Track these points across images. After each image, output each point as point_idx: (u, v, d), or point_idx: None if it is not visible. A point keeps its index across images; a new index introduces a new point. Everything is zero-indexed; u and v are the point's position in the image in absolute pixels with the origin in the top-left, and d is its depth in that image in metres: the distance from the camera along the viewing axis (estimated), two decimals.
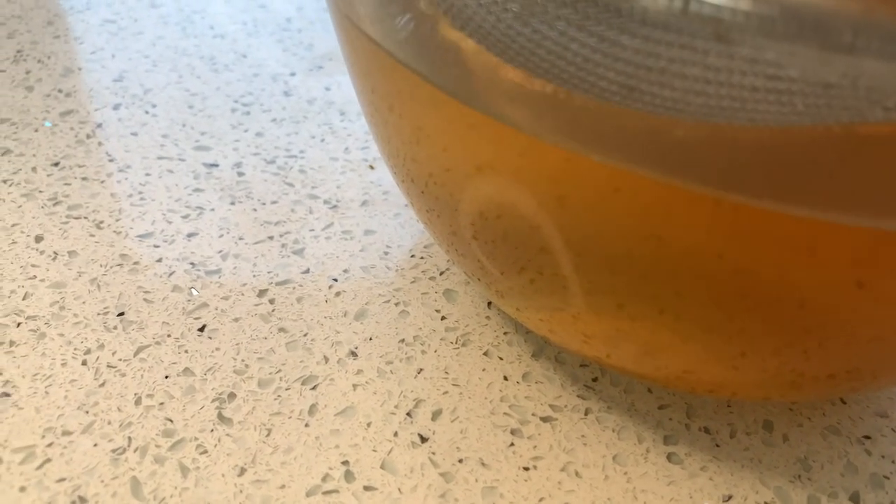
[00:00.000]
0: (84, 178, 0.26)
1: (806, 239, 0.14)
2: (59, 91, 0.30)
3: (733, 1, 0.10)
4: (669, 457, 0.19)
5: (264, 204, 0.25)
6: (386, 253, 0.24)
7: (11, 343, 0.21)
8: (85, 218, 0.25)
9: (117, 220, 0.25)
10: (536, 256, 0.17)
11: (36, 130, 0.28)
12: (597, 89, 0.13)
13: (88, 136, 0.28)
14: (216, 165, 0.27)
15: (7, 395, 0.20)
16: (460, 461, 0.19)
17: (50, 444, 0.19)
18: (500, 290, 0.19)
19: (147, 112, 0.29)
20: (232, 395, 0.20)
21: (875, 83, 0.10)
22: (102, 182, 0.26)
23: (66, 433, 0.19)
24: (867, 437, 0.20)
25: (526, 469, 0.19)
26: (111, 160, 0.27)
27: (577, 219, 0.16)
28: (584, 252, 0.16)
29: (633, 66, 0.12)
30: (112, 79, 0.31)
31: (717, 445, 0.19)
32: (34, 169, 0.26)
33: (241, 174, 0.27)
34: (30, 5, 0.35)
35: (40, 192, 0.26)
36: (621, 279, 0.17)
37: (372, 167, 0.27)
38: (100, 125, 0.28)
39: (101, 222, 0.25)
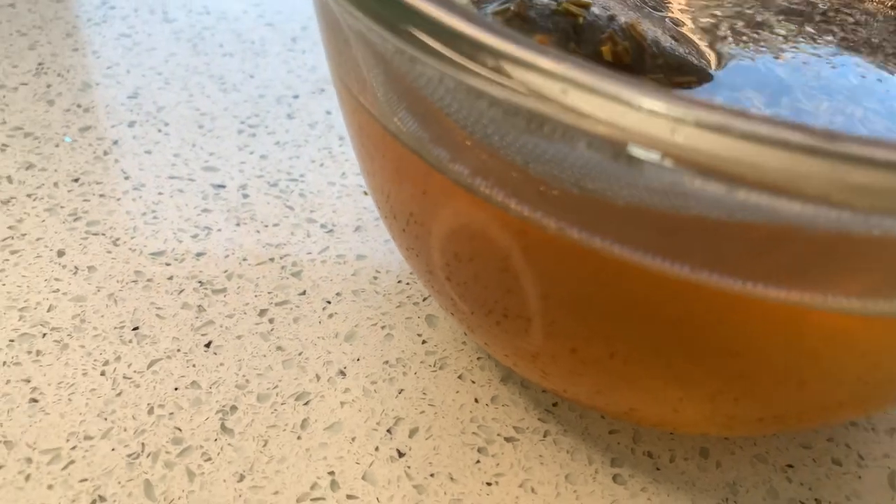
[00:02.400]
0: (102, 195, 0.29)
1: (728, 301, 0.16)
2: (78, 106, 0.32)
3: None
4: (615, 478, 0.22)
5: (266, 226, 0.28)
6: (375, 278, 0.26)
7: (38, 353, 0.23)
8: (103, 234, 0.27)
9: (132, 238, 0.27)
10: (503, 300, 0.20)
11: (56, 146, 0.30)
12: (549, 180, 0.15)
13: (105, 153, 0.30)
14: (223, 186, 0.29)
15: (35, 401, 0.22)
16: (432, 475, 0.22)
17: (74, 448, 0.21)
18: (471, 327, 0.22)
19: (160, 130, 0.32)
20: (234, 408, 0.23)
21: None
22: (118, 199, 0.28)
23: (87, 438, 0.22)
24: (790, 466, 0.23)
25: (489, 484, 0.21)
26: (126, 178, 0.29)
27: (537, 272, 0.18)
28: (543, 301, 0.19)
29: (577, 174, 0.15)
30: (127, 95, 0.33)
31: (658, 469, 0.22)
32: (56, 184, 0.29)
33: (245, 196, 0.29)
34: (49, 16, 0.37)
35: (62, 207, 0.28)
36: (576, 327, 0.19)
37: (366, 193, 0.29)
38: (116, 142, 0.31)
39: (118, 239, 0.27)
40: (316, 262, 0.27)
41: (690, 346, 0.18)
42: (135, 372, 0.23)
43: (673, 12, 0.22)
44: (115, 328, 0.24)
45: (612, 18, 0.19)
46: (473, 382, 0.24)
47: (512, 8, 0.19)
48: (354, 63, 0.18)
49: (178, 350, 0.24)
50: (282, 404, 0.23)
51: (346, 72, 0.19)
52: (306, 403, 0.23)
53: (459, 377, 0.24)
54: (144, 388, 0.23)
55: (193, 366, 0.24)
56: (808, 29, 0.23)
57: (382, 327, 0.25)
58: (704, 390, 0.19)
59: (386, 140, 0.19)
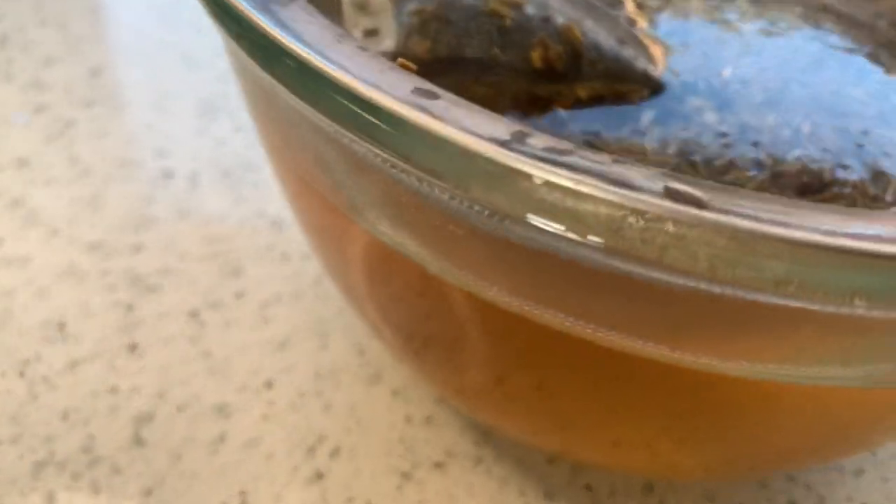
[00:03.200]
0: (47, 181, 0.27)
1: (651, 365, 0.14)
2: (38, 83, 0.31)
3: None
4: None
5: (212, 219, 0.27)
6: (317, 281, 0.25)
7: None
8: (43, 224, 0.26)
9: (70, 227, 0.26)
10: (424, 327, 0.18)
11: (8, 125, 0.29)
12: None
13: (60, 135, 0.29)
14: (173, 175, 0.28)
15: None
16: (350, 500, 0.20)
17: None
18: (397, 356, 0.20)
19: (117, 111, 0.30)
20: (150, 417, 0.22)
21: None
22: (65, 186, 0.27)
23: None
24: None
25: None
26: (75, 162, 0.28)
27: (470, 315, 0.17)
28: (468, 332, 0.17)
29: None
30: (89, 72, 0.32)
31: None
32: (1, 167, 0.28)
33: (195, 185, 0.28)
34: None
35: (5, 192, 0.27)
36: (499, 360, 0.18)
37: None
38: (70, 123, 0.30)
39: (57, 229, 0.26)
40: (259, 259, 0.25)
41: (619, 399, 0.16)
42: (54, 373, 0.22)
43: (628, 9, 0.20)
44: (40, 325, 0.23)
45: (546, 20, 0.17)
46: (408, 400, 0.22)
47: (430, 8, 0.17)
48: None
49: (102, 351, 0.23)
50: (201, 415, 0.22)
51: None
52: (227, 416, 0.22)
53: (393, 393, 0.22)
54: (62, 391, 0.22)
55: (115, 369, 0.23)
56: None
57: (319, 335, 0.24)
58: (640, 435, 0.18)
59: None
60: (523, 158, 0.10)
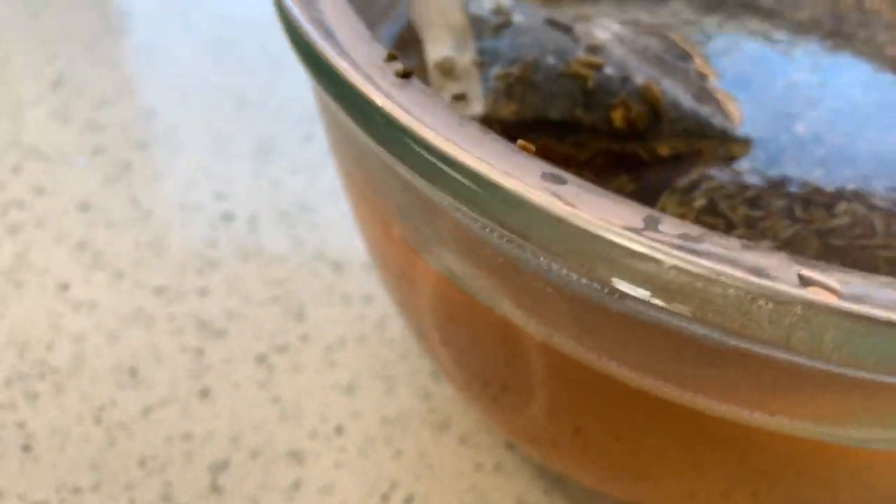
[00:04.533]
0: (109, 224, 0.28)
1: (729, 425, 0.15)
2: (93, 125, 0.32)
3: None
4: None
5: (273, 261, 0.27)
6: (381, 323, 0.25)
7: (35, 395, 0.23)
8: (107, 267, 0.27)
9: (137, 271, 0.26)
10: (500, 375, 0.18)
11: (69, 168, 0.30)
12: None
13: (117, 177, 0.30)
14: (233, 216, 0.28)
15: (29, 448, 0.22)
16: None
17: (63, 500, 0.21)
18: (467, 399, 0.21)
19: (173, 152, 0.31)
20: (226, 464, 0.22)
21: None
22: (127, 229, 0.28)
23: (76, 490, 0.21)
24: None
25: None
26: (135, 205, 0.29)
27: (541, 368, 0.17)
28: (543, 389, 0.18)
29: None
30: (143, 113, 0.33)
31: None
32: (65, 211, 0.28)
33: (254, 227, 0.28)
34: (71, 27, 0.37)
35: (70, 235, 0.27)
36: (576, 403, 0.18)
37: None
38: (128, 165, 0.30)
39: (123, 272, 0.26)
40: (321, 302, 0.26)
41: (699, 455, 0.16)
42: (128, 418, 0.23)
43: (696, 62, 0.20)
44: (113, 370, 0.24)
45: (625, 80, 0.18)
46: (477, 446, 0.23)
47: (515, 72, 0.17)
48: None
49: (174, 397, 0.23)
50: (275, 461, 0.22)
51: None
52: (300, 462, 0.22)
53: (461, 440, 0.23)
54: (138, 437, 0.22)
55: (189, 415, 0.23)
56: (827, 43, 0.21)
57: (384, 379, 0.24)
58: (716, 488, 0.18)
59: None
60: (660, 247, 0.10)
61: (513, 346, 0.17)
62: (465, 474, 0.22)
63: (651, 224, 0.10)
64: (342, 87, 0.12)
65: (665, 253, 0.10)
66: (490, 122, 0.17)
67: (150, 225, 0.28)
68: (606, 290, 0.11)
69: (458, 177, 0.11)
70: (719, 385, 0.14)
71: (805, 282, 0.10)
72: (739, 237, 0.14)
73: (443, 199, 0.12)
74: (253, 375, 0.24)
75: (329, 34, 0.14)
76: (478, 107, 0.17)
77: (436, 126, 0.12)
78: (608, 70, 0.18)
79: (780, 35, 0.21)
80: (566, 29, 0.18)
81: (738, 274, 0.10)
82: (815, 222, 0.15)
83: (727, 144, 0.18)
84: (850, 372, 0.10)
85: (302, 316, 0.26)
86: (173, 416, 0.23)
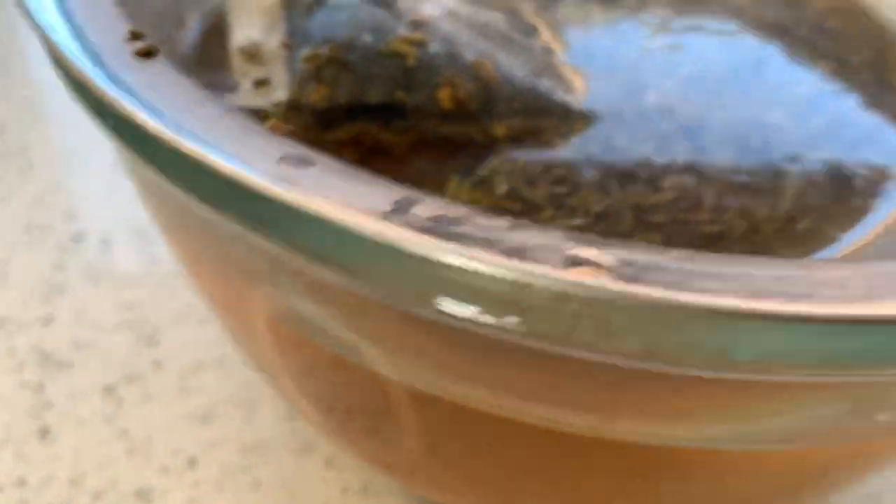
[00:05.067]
0: None
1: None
2: None
3: None
4: None
5: (126, 284, 0.25)
6: None
7: None
8: None
9: None
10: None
11: None
12: None
13: None
14: (83, 237, 0.26)
15: None
16: None
17: None
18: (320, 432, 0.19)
19: (23, 171, 0.28)
20: None
21: None
22: None
23: None
24: None
25: None
26: None
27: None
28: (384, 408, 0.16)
29: None
30: None
31: None
32: None
33: (107, 247, 0.26)
34: None
35: None
36: (420, 436, 0.16)
37: None
38: None
39: None
40: (176, 324, 0.24)
41: (552, 472, 0.15)
42: None
43: (543, 36, 0.19)
44: None
45: (454, 56, 0.16)
46: (343, 468, 0.21)
47: (325, 53, 0.15)
48: None
49: (8, 439, 0.21)
50: (120, 502, 0.20)
51: None
52: (148, 501, 0.20)
53: (327, 463, 0.21)
54: None
55: (24, 458, 0.21)
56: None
57: (244, 404, 0.22)
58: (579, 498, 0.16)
59: None
60: (407, 232, 0.08)
61: (341, 368, 0.15)
62: (332, 499, 0.20)
63: (402, 207, 0.09)
64: (66, 72, 0.11)
65: (407, 239, 0.08)
66: (299, 108, 0.15)
67: None
68: (362, 285, 0.10)
69: (185, 167, 0.09)
70: (547, 392, 0.12)
71: (572, 261, 0.08)
72: (551, 218, 0.12)
73: (170, 188, 0.10)
74: (99, 409, 0.22)
75: (68, 15, 0.12)
76: (282, 93, 0.15)
77: (169, 108, 0.10)
78: (434, 47, 0.16)
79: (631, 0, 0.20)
80: (388, 4, 0.17)
81: (491, 257, 0.08)
82: (631, 197, 0.13)
83: (569, 121, 0.17)
84: (649, 366, 0.09)
85: (155, 340, 0.23)
86: (7, 461, 0.21)
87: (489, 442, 0.15)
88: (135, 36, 0.11)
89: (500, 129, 0.16)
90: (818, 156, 0.16)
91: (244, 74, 0.15)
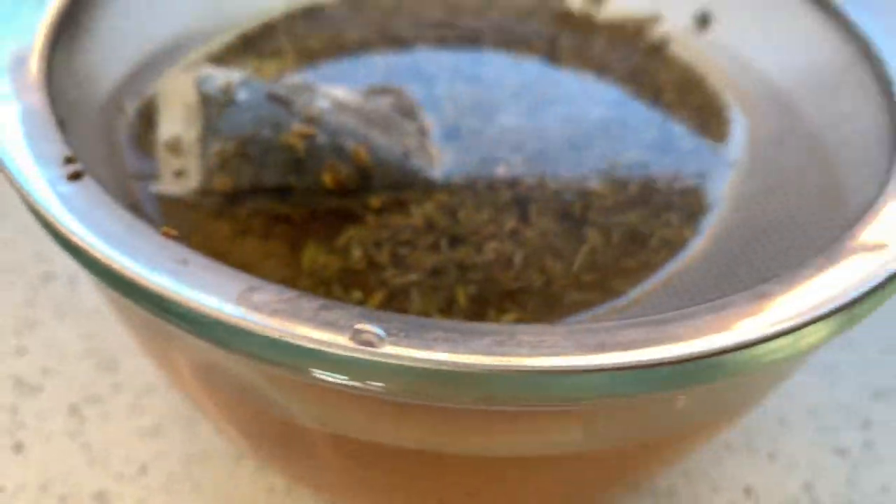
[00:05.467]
0: None
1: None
2: None
3: None
4: None
5: (89, 317, 0.29)
6: None
7: None
8: None
9: None
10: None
11: None
12: None
13: None
14: (53, 277, 0.30)
15: None
16: None
17: None
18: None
19: None
20: None
21: None
22: None
23: None
24: None
25: None
26: None
27: None
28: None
29: None
30: None
31: None
32: None
33: (74, 287, 0.30)
34: None
35: None
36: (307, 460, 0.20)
37: None
38: None
39: None
40: (133, 353, 0.28)
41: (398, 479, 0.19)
42: None
43: (420, 116, 0.23)
44: None
45: (336, 146, 0.20)
46: (270, 472, 0.25)
47: (230, 148, 0.20)
48: None
49: None
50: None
51: None
52: (105, 502, 0.24)
53: (256, 468, 0.25)
54: None
55: (1, 470, 0.25)
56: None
57: (188, 421, 0.26)
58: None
59: None
60: (244, 318, 0.12)
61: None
62: (259, 500, 0.24)
63: (246, 294, 0.13)
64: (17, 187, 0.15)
65: (243, 322, 0.12)
66: (207, 194, 0.19)
67: None
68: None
69: (94, 265, 0.14)
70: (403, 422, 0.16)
71: (357, 333, 0.12)
72: (392, 275, 0.16)
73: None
74: (65, 426, 0.26)
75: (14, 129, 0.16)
76: (194, 181, 0.19)
77: (86, 220, 0.14)
78: (320, 138, 0.20)
79: (488, 72, 0.24)
80: (286, 103, 0.21)
81: (299, 331, 0.12)
82: (458, 257, 0.18)
83: (429, 193, 0.21)
84: (423, 402, 0.13)
85: (114, 367, 0.28)
86: None
87: (373, 460, 0.19)
88: (69, 160, 0.15)
89: (374, 202, 0.20)
90: (623, 219, 0.20)
91: (166, 165, 0.20)
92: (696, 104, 0.24)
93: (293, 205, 0.20)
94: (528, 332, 0.13)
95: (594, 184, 0.21)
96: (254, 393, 0.17)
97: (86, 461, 0.25)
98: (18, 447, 0.25)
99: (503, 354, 0.12)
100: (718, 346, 0.13)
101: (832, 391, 0.28)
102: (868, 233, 0.16)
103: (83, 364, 0.28)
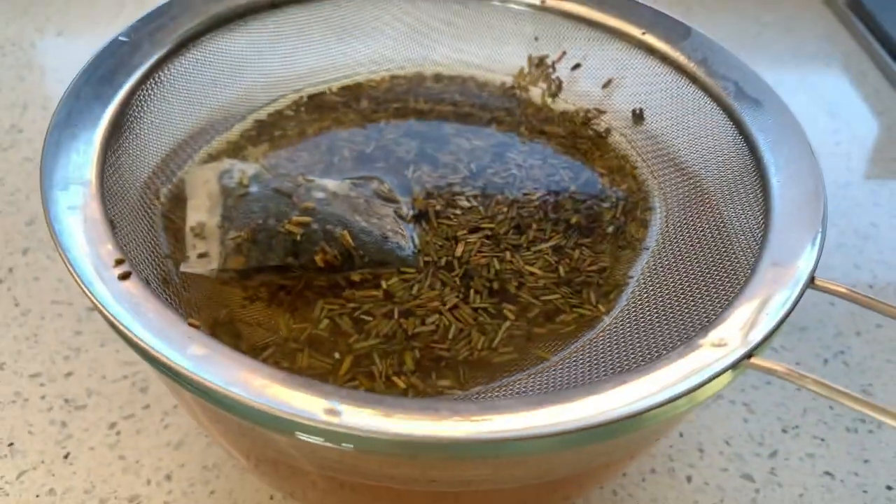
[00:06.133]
0: None
1: None
2: None
3: None
4: None
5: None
6: None
7: None
8: None
9: (16, 362, 0.34)
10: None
11: None
12: None
13: (0, 281, 0.37)
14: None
15: None
16: None
17: None
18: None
19: (48, 257, 0.38)
20: None
21: None
22: (7, 326, 0.35)
23: None
24: None
25: None
26: (16, 304, 0.36)
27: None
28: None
29: None
30: (25, 222, 0.40)
31: None
32: None
33: None
34: None
35: None
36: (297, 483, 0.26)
37: None
38: (10, 269, 0.37)
39: (3, 363, 0.34)
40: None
41: None
42: (6, 483, 0.30)
43: (398, 203, 0.28)
44: None
45: (326, 232, 0.26)
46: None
47: (243, 235, 0.25)
48: None
49: (42, 461, 0.31)
50: None
51: None
52: None
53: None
54: (12, 497, 0.30)
55: (53, 475, 0.30)
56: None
57: (206, 436, 0.32)
58: None
59: None
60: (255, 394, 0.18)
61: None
62: (262, 503, 0.30)
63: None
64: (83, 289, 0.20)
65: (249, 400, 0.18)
66: (225, 272, 0.25)
67: (27, 321, 0.35)
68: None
69: (138, 348, 0.19)
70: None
71: (330, 412, 0.18)
72: (355, 340, 0.22)
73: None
74: (105, 439, 0.31)
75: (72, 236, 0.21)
76: (215, 262, 0.25)
77: (131, 311, 0.20)
78: (314, 226, 0.26)
79: (454, 157, 0.30)
80: (288, 196, 0.26)
81: (279, 410, 0.18)
82: (406, 326, 0.24)
83: (402, 268, 0.26)
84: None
85: (146, 389, 0.33)
86: (42, 477, 0.30)
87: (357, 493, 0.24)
88: (118, 262, 0.21)
89: (356, 276, 0.26)
90: (549, 296, 0.25)
91: (193, 248, 0.25)
92: (626, 190, 0.29)
93: (291, 278, 0.26)
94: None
95: (529, 265, 0.26)
96: (252, 432, 0.22)
97: (122, 469, 0.31)
98: (67, 456, 0.31)
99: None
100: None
101: (746, 425, 0.33)
102: (716, 333, 0.21)
103: (121, 386, 0.33)
